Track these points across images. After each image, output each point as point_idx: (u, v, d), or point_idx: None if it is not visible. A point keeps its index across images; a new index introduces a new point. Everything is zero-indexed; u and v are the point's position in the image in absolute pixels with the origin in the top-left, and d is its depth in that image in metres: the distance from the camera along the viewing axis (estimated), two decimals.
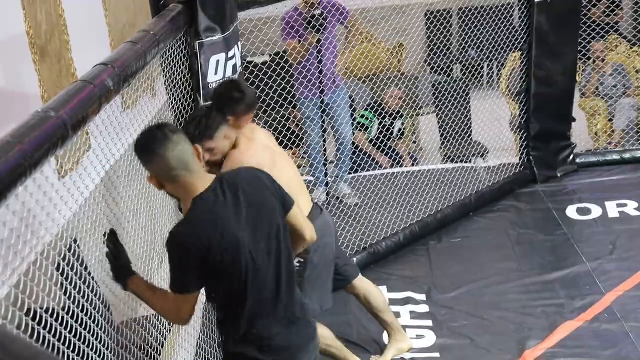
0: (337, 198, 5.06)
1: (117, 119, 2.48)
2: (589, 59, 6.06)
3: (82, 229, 2.25)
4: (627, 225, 4.48)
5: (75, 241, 2.26)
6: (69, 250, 2.12)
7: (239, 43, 3.30)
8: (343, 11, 4.72)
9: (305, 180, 4.84)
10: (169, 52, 2.91)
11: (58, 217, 2.05)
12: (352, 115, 5.28)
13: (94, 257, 2.36)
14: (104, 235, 2.31)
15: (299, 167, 5.33)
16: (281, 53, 5.07)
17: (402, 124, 5.83)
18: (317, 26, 4.50)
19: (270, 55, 5.66)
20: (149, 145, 2.16)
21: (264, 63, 5.25)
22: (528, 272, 4.15)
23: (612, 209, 4.76)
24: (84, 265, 2.27)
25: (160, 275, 2.87)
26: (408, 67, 7.49)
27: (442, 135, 6.08)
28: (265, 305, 2.28)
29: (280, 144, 4.67)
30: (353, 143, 5.60)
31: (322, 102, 4.80)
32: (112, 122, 2.42)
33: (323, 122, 4.87)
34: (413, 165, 5.75)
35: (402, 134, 5.85)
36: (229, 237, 2.18)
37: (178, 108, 3.07)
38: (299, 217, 2.44)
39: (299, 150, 5.27)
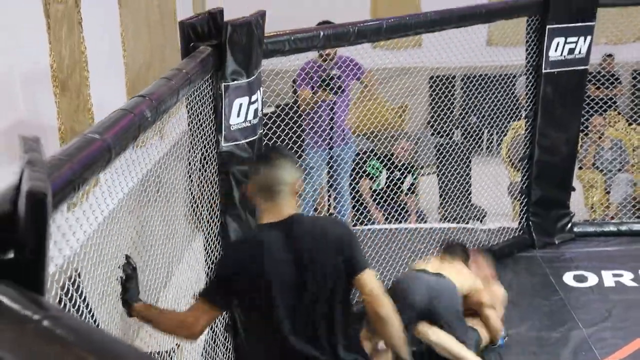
0: None
1: (125, 156, 2.51)
2: (587, 134, 6.24)
3: (86, 262, 2.27)
4: (623, 295, 4.55)
5: (79, 275, 2.29)
6: (72, 283, 2.14)
7: (261, 88, 3.41)
8: (360, 67, 4.88)
9: None
10: (195, 92, 3.01)
11: (64, 248, 2.08)
12: (359, 165, 5.39)
13: (95, 292, 2.38)
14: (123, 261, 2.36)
15: None
16: (290, 104, 5.17)
17: (415, 178, 5.93)
18: (335, 87, 4.67)
19: (279, 106, 5.80)
20: (259, 160, 2.55)
21: (271, 113, 5.39)
22: (525, 333, 4.19)
23: (608, 278, 4.83)
24: (84, 299, 2.28)
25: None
26: (412, 127, 7.66)
27: (441, 196, 6.18)
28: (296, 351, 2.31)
29: None
30: (358, 192, 5.72)
31: (327, 154, 4.91)
32: (120, 159, 2.45)
33: (327, 174, 4.98)
34: (418, 221, 5.84)
35: (414, 189, 5.95)
36: (261, 273, 2.28)
37: (200, 148, 3.16)
38: (373, 284, 2.39)
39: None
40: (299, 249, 2.34)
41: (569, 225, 5.36)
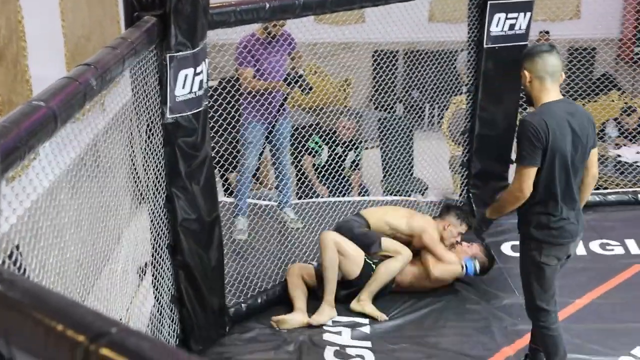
0: (283, 223, 5.14)
1: (66, 129, 2.47)
2: (526, 108, 6.38)
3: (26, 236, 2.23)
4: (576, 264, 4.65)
5: (17, 247, 2.26)
6: (9, 257, 2.11)
7: (207, 60, 3.38)
8: (292, 42, 4.84)
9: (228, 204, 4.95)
10: (139, 63, 2.97)
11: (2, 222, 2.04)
12: (300, 141, 5.38)
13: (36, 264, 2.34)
14: None
15: (230, 193, 5.41)
16: (229, 79, 5.09)
17: (357, 155, 5.98)
18: (305, 87, 4.71)
19: (220, 82, 5.75)
20: (537, 51, 3.19)
21: (211, 87, 5.33)
22: (465, 301, 4.33)
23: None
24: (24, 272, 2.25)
25: (101, 280, 2.90)
26: (355, 102, 7.71)
27: (384, 169, 6.25)
28: (566, 196, 3.14)
29: (222, 166, 4.77)
30: (300, 168, 5.73)
31: (266, 129, 4.87)
32: (61, 133, 2.41)
33: (264, 148, 4.96)
34: (362, 195, 5.90)
35: (357, 166, 6.00)
36: (557, 133, 3.06)
37: (145, 120, 3.13)
38: (594, 158, 3.26)
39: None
40: (573, 122, 3.09)
41: None
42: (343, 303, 4.20)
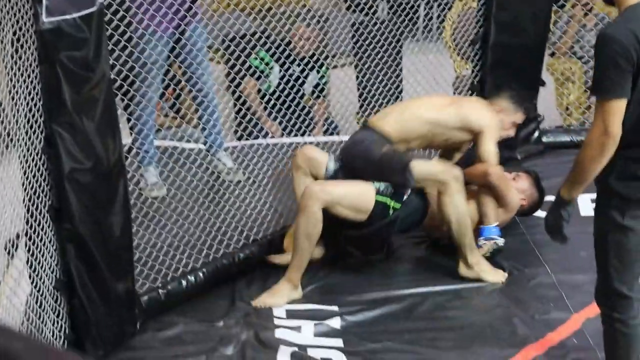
0: (216, 175, 5.14)
1: None
2: (563, 6, 6.41)
3: None
4: None
5: None
6: None
7: None
8: None
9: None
10: None
11: None
12: (239, 58, 5.35)
13: None
14: None
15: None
16: None
17: (322, 77, 5.96)
18: None
19: None
20: None
21: None
22: (475, 280, 4.43)
23: (587, 205, 5.08)
24: None
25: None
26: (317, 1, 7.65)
27: (361, 96, 6.26)
28: None
29: (126, 94, 4.70)
30: (240, 97, 5.70)
31: (171, 37, 4.78)
32: None
33: (169, 66, 4.89)
34: (329, 133, 5.92)
35: (321, 91, 5.99)
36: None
37: (11, 25, 3.09)
38: None
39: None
40: None
41: (536, 133, 5.57)
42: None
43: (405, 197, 4.31)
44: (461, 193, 4.30)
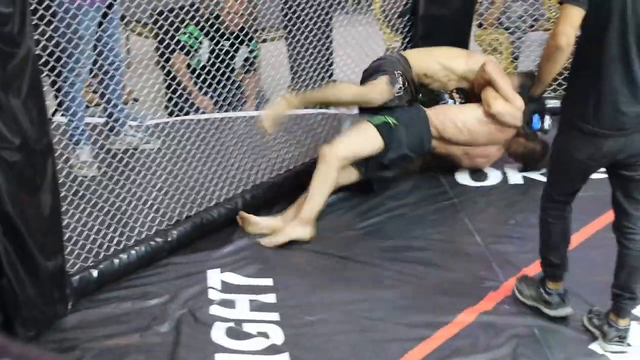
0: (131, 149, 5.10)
1: None
2: None
3: None
4: (535, 192, 4.75)
5: None
6: None
7: None
8: None
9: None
10: None
11: None
12: (168, 32, 5.28)
13: None
14: None
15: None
16: None
17: (252, 51, 5.93)
18: None
19: None
20: None
21: None
22: (404, 250, 4.47)
23: (515, 174, 5.16)
24: None
25: None
26: None
27: (292, 69, 6.24)
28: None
29: (53, 70, 4.62)
30: (169, 72, 5.65)
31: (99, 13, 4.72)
32: None
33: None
34: (261, 107, 5.90)
35: (252, 65, 5.96)
36: None
37: None
38: None
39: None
40: None
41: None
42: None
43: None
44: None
